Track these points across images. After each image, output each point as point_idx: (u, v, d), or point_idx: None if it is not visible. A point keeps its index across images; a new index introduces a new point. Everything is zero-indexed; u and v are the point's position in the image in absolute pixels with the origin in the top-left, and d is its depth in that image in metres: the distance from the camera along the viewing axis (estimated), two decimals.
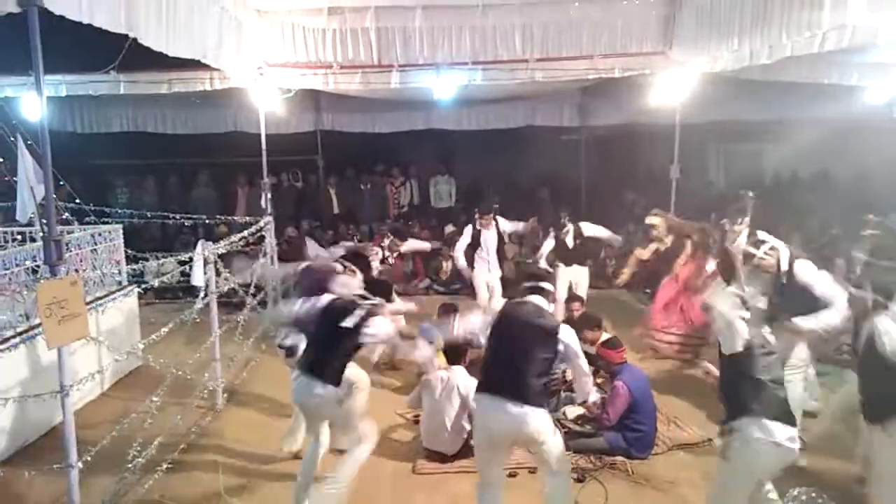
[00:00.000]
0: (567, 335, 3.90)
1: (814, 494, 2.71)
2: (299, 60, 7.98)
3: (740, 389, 3.35)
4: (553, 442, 3.81)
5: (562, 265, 7.73)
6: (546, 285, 4.14)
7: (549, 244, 7.80)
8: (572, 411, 5.42)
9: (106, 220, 7.71)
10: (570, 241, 7.70)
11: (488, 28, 7.83)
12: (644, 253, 7.45)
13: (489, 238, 7.73)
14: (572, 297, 7.21)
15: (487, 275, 7.77)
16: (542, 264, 7.59)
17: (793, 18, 5.14)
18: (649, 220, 7.27)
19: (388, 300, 5.51)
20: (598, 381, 5.73)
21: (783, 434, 3.26)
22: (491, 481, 3.92)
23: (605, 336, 5.65)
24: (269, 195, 8.39)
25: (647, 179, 11.87)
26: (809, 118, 9.89)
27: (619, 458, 4.91)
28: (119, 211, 8.55)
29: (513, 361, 3.79)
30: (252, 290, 7.25)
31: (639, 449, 4.97)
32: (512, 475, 4.80)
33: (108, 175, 12.34)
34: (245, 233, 7.07)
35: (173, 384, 5.34)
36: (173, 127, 11.45)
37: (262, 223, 7.82)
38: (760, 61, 6.28)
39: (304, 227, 11.03)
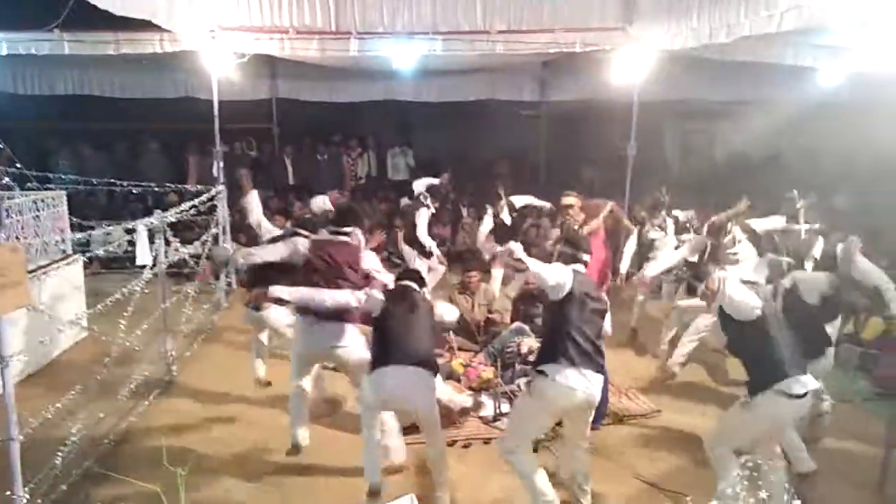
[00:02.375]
0: None
1: (759, 461, 2.82)
2: (254, 24, 7.73)
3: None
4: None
5: (497, 246, 7.48)
6: None
7: (487, 223, 7.11)
8: (522, 382, 5.47)
9: (49, 185, 7.39)
10: (507, 219, 7.45)
11: None
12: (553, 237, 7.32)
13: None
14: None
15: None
16: (484, 243, 7.03)
17: None
18: (565, 200, 6.50)
19: None
20: None
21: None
22: None
23: None
24: (221, 164, 8.17)
25: (606, 156, 11.94)
26: (765, 99, 10.08)
27: None
28: (63, 177, 8.20)
29: None
30: (203, 261, 7.10)
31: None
32: (466, 446, 4.86)
33: (52, 139, 11.79)
34: (196, 201, 6.87)
35: (121, 356, 5.19)
36: (121, 90, 10.97)
37: (213, 192, 7.61)
38: (719, 40, 6.33)
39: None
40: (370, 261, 4.88)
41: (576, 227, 6.44)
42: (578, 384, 3.62)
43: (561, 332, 3.68)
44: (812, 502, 3.74)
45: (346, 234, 4.69)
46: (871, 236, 8.51)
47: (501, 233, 7.32)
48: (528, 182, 8.90)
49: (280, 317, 5.44)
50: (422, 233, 7.23)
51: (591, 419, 3.95)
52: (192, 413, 5.36)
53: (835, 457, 4.48)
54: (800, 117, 9.70)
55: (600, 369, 3.81)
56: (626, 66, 7.96)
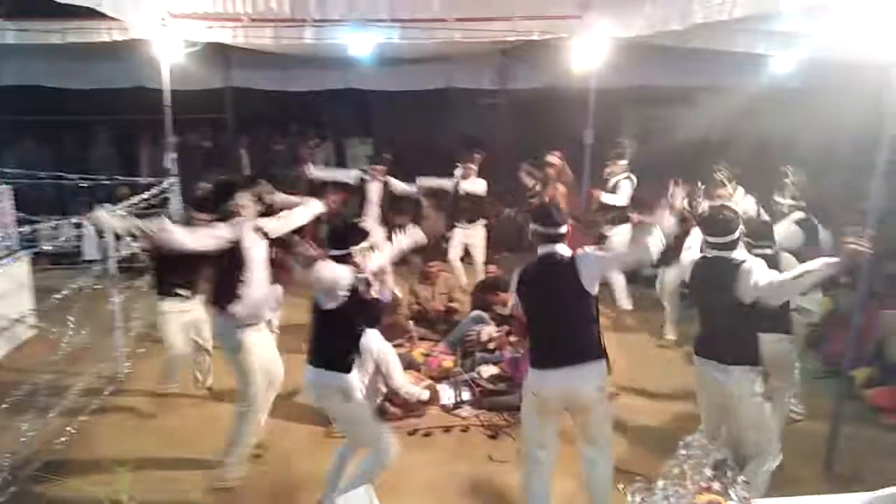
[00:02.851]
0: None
1: (705, 441, 2.88)
2: (206, 11, 7.53)
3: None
4: None
5: (457, 226, 7.66)
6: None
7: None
8: (487, 371, 5.49)
9: None
10: (467, 188, 7.58)
11: None
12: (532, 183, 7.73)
13: (373, 191, 7.40)
14: (489, 260, 7.22)
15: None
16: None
17: None
18: (549, 158, 7.53)
19: None
20: (512, 340, 5.82)
21: None
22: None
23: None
24: (173, 155, 7.96)
25: (565, 143, 12.00)
26: (720, 85, 10.23)
27: None
28: (8, 171, 7.92)
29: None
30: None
31: None
32: (427, 435, 4.86)
33: None
34: (147, 194, 6.70)
35: (71, 354, 5.05)
36: (69, 81, 10.59)
37: (165, 184, 7.41)
38: (672, 27, 6.38)
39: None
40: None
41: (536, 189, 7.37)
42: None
43: None
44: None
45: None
46: (824, 218, 8.78)
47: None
48: (488, 169, 8.86)
49: None
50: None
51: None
52: (144, 411, 5.24)
53: (783, 434, 4.58)
54: (754, 103, 9.86)
55: None
56: (583, 53, 7.99)
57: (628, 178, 7.39)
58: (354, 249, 3.65)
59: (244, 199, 4.21)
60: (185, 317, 5.19)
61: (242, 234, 4.13)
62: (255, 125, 11.92)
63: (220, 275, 4.20)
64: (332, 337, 3.69)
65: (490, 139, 12.29)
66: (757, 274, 3.46)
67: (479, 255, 7.65)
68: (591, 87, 8.44)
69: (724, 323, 3.67)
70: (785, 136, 10.26)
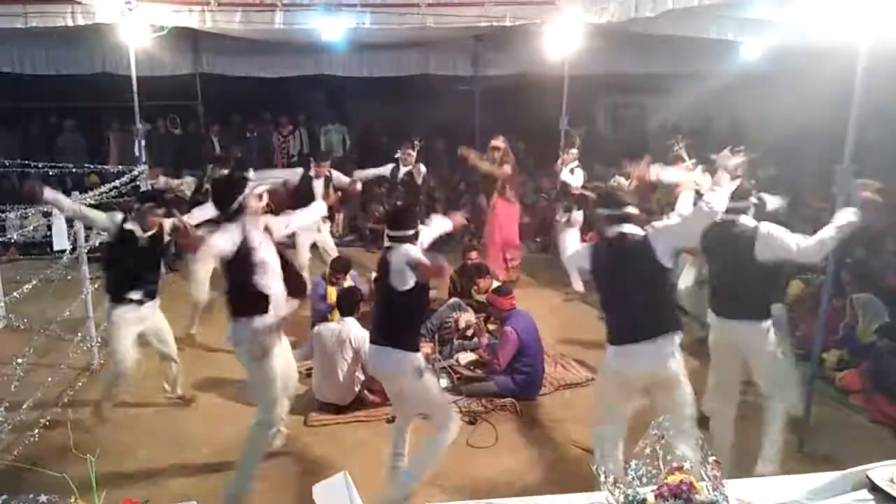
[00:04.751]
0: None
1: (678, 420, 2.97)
2: None
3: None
4: None
5: None
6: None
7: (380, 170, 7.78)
8: (465, 357, 5.52)
9: None
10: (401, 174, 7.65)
11: None
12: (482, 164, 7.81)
13: (318, 186, 7.25)
14: (468, 246, 7.21)
15: (314, 234, 7.17)
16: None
17: None
18: (494, 142, 7.71)
19: None
20: (490, 327, 5.86)
21: None
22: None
23: (495, 284, 5.76)
24: (143, 142, 7.81)
25: (539, 130, 12.03)
26: (691, 72, 10.34)
27: (509, 400, 5.05)
28: None
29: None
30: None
31: (528, 390, 5.14)
32: None
33: None
34: (117, 182, 6.58)
35: (43, 345, 4.96)
36: (32, 67, 10.30)
37: (135, 172, 7.28)
38: (644, 14, 6.40)
39: (184, 175, 10.39)
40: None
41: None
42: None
43: None
44: (731, 462, 3.89)
45: None
46: (792, 201, 8.94)
47: None
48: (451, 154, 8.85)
49: None
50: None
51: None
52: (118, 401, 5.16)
53: (754, 417, 4.66)
54: (725, 89, 10.00)
55: None
56: (557, 40, 7.99)
57: (579, 165, 7.73)
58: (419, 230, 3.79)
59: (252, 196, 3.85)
60: (141, 325, 4.76)
61: (250, 233, 3.77)
62: (226, 112, 11.74)
63: (238, 281, 3.83)
64: (406, 317, 3.73)
65: (466, 126, 12.30)
66: (790, 236, 3.69)
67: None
68: (565, 73, 8.44)
69: (747, 282, 3.86)
70: (755, 120, 10.41)
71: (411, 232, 3.74)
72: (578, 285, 6.88)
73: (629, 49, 10.03)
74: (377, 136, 12.40)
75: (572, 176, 7.64)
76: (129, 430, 4.81)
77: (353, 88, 12.07)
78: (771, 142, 9.49)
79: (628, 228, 3.49)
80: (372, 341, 3.85)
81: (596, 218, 3.73)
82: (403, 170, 7.62)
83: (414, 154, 7.64)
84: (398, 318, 3.73)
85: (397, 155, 7.73)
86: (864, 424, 4.92)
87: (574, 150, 7.78)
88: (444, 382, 5.29)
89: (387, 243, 3.85)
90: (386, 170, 7.72)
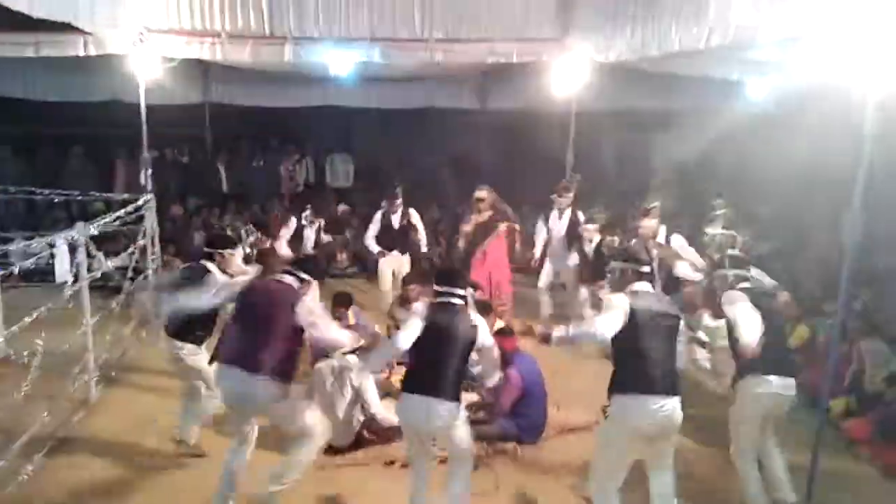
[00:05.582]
0: (483, 334, 3.90)
1: None
2: (184, 27, 7.46)
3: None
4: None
5: (383, 252, 7.60)
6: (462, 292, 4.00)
7: (374, 225, 7.65)
8: (465, 398, 5.42)
9: None
10: (395, 222, 7.58)
11: (387, 3, 7.65)
12: (467, 226, 7.56)
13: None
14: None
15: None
16: (371, 245, 7.62)
17: (682, 11, 5.33)
18: (478, 193, 7.46)
19: None
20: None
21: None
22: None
23: (498, 324, 5.69)
24: (149, 171, 7.84)
25: (545, 163, 12.05)
26: (697, 109, 10.38)
27: (510, 445, 4.96)
28: None
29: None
30: (130, 273, 6.80)
31: (530, 435, 5.04)
32: (404, 466, 4.77)
33: None
34: (122, 212, 6.57)
35: (41, 377, 4.90)
36: (44, 94, 10.42)
37: (141, 202, 7.29)
38: (650, 54, 6.45)
39: (190, 205, 10.45)
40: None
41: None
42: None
43: None
44: None
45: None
46: (796, 241, 8.88)
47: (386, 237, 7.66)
48: (470, 186, 8.80)
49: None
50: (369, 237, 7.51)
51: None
52: (118, 437, 5.09)
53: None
54: (729, 127, 10.00)
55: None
56: (564, 76, 8.03)
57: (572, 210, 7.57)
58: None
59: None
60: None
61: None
62: (233, 141, 11.82)
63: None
64: (457, 369, 3.80)
65: (472, 159, 12.34)
66: None
67: None
68: (572, 109, 8.46)
69: (779, 341, 4.09)
70: (760, 158, 10.38)
71: (462, 292, 3.89)
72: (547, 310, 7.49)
73: (637, 86, 10.08)
74: (383, 167, 12.43)
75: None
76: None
77: (361, 119, 12.16)
78: (775, 180, 9.49)
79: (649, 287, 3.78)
80: (424, 393, 3.77)
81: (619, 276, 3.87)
82: (396, 217, 7.59)
83: (399, 202, 7.59)
84: (452, 369, 3.78)
85: (383, 204, 7.72)
86: (872, 475, 4.81)
87: (569, 195, 7.55)
88: None
89: (439, 299, 3.92)
90: (377, 224, 7.65)
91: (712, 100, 9.88)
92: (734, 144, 10.95)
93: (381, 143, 12.68)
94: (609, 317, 3.62)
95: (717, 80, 8.31)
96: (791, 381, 4.09)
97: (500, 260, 7.49)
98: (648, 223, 6.36)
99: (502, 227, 7.40)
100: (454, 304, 3.87)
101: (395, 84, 11.09)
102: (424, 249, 7.81)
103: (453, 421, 3.78)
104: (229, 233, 6.13)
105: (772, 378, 4.03)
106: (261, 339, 3.85)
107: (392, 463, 4.75)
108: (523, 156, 12.42)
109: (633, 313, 3.59)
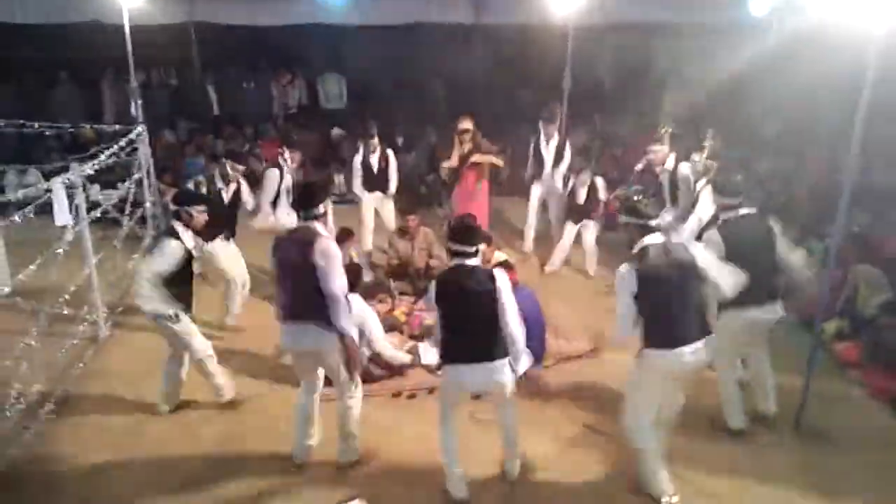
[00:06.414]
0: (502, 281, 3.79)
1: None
2: None
3: None
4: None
5: (365, 192, 7.25)
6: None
7: (356, 171, 7.22)
8: None
9: None
10: (374, 164, 7.21)
11: None
12: (452, 161, 7.43)
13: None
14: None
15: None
16: (359, 192, 7.23)
17: None
18: (462, 124, 7.30)
19: None
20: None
21: None
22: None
23: (497, 255, 5.74)
24: (139, 101, 7.65)
25: (542, 79, 11.78)
26: (696, 23, 10.07)
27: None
28: None
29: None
30: (129, 207, 6.79)
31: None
32: (411, 396, 4.95)
33: None
34: (115, 148, 6.48)
35: (48, 316, 4.99)
36: (23, 15, 9.90)
37: (133, 135, 7.15)
38: None
39: (181, 129, 10.26)
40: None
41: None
42: None
43: None
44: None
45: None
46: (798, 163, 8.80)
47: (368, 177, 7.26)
48: (466, 105, 8.60)
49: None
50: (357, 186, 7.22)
51: None
52: (125, 375, 5.23)
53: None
54: (730, 41, 9.73)
55: None
56: None
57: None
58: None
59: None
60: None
61: None
62: (222, 62, 11.46)
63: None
64: (492, 327, 3.73)
65: (466, 75, 12.02)
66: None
67: (391, 225, 7.30)
68: (569, 23, 8.09)
69: (768, 272, 4.19)
70: (757, 73, 10.14)
71: (474, 249, 3.76)
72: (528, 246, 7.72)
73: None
74: (376, 87, 12.15)
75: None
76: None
77: (352, 37, 11.71)
78: (776, 102, 9.35)
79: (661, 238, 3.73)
80: (477, 359, 3.75)
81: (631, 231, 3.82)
82: (375, 158, 7.19)
83: (376, 142, 7.14)
84: (497, 330, 3.74)
85: (359, 146, 7.32)
86: (862, 398, 4.99)
87: (555, 124, 7.41)
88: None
89: (456, 260, 3.76)
90: (358, 169, 7.25)
91: (713, 13, 9.57)
92: (735, 56, 10.70)
93: (374, 63, 12.30)
94: (622, 299, 3.67)
95: None
96: (773, 306, 4.25)
97: (480, 201, 7.43)
98: (659, 148, 6.25)
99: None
100: (467, 265, 3.75)
101: None
102: (393, 191, 7.33)
103: (506, 378, 3.78)
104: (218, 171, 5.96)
105: (751, 312, 4.19)
106: (304, 290, 3.81)
107: (399, 394, 4.93)
108: (519, 71, 12.12)
109: (643, 275, 3.60)
